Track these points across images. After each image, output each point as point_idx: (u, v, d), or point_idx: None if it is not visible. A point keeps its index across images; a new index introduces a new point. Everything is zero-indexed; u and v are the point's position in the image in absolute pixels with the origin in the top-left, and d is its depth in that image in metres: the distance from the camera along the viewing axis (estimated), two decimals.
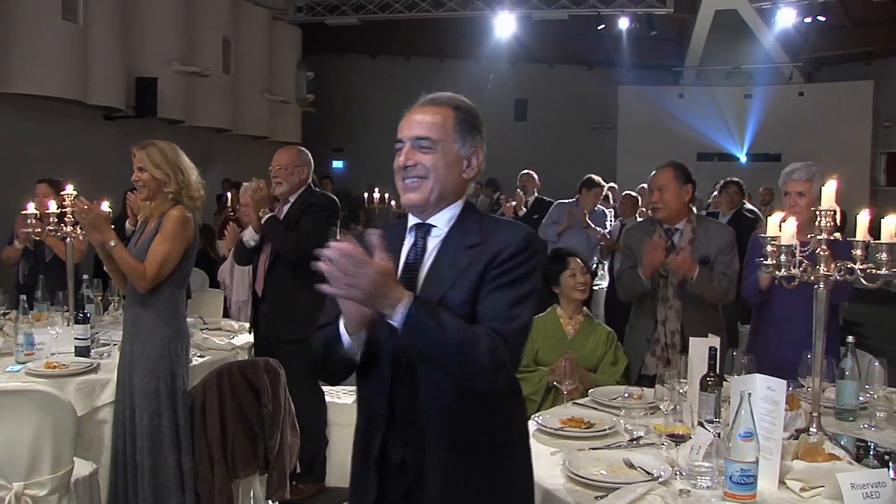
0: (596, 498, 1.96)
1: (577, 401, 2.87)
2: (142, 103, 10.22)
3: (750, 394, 1.88)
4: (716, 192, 8.38)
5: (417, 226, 1.86)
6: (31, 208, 4.19)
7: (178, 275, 3.21)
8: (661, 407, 2.35)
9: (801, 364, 2.72)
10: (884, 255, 2.11)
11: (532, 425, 2.53)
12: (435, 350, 1.64)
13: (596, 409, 2.75)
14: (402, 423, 1.78)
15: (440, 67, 16.72)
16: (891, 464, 2.05)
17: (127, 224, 4.84)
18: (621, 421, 2.48)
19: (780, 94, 15.82)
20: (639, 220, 6.57)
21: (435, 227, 1.85)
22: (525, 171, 7.86)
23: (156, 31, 10.59)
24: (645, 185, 6.70)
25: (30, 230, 4.13)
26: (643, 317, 3.56)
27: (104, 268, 3.34)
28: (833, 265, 2.26)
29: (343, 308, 1.70)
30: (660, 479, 2.01)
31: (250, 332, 4.30)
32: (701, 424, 2.27)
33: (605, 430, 2.49)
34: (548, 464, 2.22)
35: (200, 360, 3.63)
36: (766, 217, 2.61)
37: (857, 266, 2.18)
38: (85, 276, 4.32)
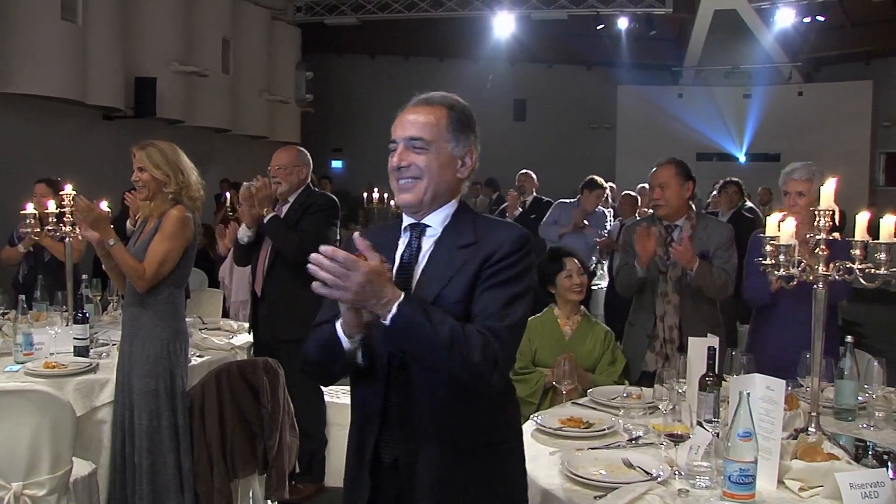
0: (595, 498, 1.96)
1: (576, 401, 2.87)
2: (141, 103, 10.22)
3: (749, 393, 1.88)
4: (715, 192, 8.38)
5: (412, 226, 1.86)
6: (30, 208, 4.19)
7: (178, 275, 3.21)
8: (659, 407, 2.35)
9: (801, 364, 2.72)
10: (882, 255, 2.11)
11: (531, 425, 2.54)
12: (426, 349, 1.64)
13: (595, 408, 2.75)
14: (396, 423, 1.79)
15: (439, 67, 16.73)
16: (889, 463, 2.05)
17: (127, 224, 4.84)
18: (620, 421, 2.48)
19: (780, 94, 15.82)
20: (638, 219, 6.57)
21: (429, 226, 1.85)
22: (523, 171, 7.87)
23: (155, 31, 10.59)
24: (644, 185, 6.71)
25: (29, 230, 4.13)
26: (642, 313, 3.58)
27: (103, 267, 3.34)
28: (832, 265, 2.26)
29: (341, 311, 1.70)
30: (659, 479, 2.01)
31: (249, 333, 4.29)
32: (700, 424, 2.27)
33: (604, 429, 2.49)
34: (547, 464, 2.22)
35: (199, 360, 3.62)
36: (766, 217, 2.61)
37: (856, 266, 2.18)
38: (84, 276, 4.32)
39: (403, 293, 1.63)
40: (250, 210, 4.07)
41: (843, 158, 13.31)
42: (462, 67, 15.99)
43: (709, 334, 2.73)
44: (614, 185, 9.47)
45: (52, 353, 3.49)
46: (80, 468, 2.93)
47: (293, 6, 14.40)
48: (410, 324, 1.61)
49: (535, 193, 7.69)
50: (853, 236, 2.20)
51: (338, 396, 4.29)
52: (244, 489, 3.29)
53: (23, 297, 4.06)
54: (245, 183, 4.17)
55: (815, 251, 2.29)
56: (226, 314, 5.38)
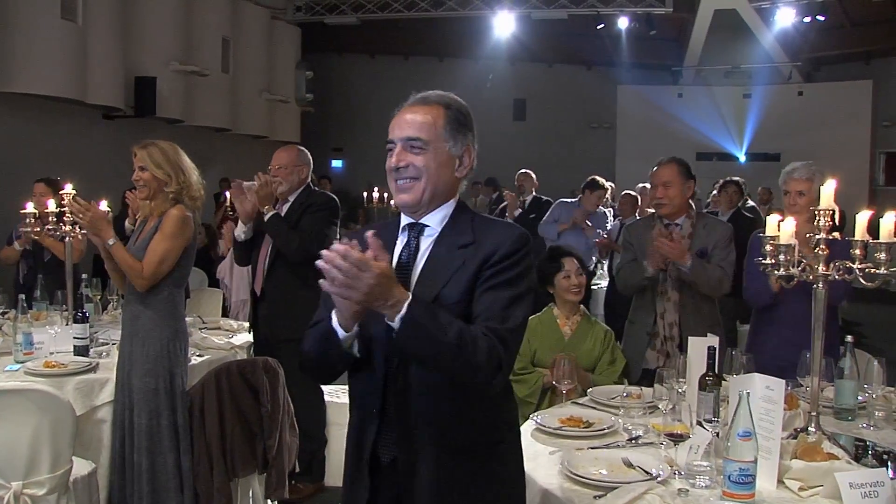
0: (595, 497, 1.96)
1: (576, 400, 2.87)
2: (141, 103, 10.22)
3: (748, 393, 1.88)
4: (715, 192, 8.38)
5: (410, 225, 1.86)
6: (29, 208, 4.19)
7: (178, 274, 3.21)
8: (659, 406, 2.35)
9: (800, 364, 2.72)
10: (882, 255, 2.11)
11: (531, 425, 2.54)
12: (433, 351, 1.64)
13: (595, 408, 2.75)
14: (395, 423, 1.79)
15: (439, 67, 16.74)
16: (889, 463, 2.05)
17: (126, 223, 4.84)
18: (620, 420, 2.48)
19: (780, 93, 15.83)
20: (638, 218, 6.57)
21: (428, 226, 1.85)
22: (522, 171, 7.87)
23: (155, 30, 10.59)
24: (645, 185, 6.70)
25: (29, 230, 4.13)
26: (642, 311, 3.58)
27: (104, 266, 3.34)
28: (832, 264, 2.26)
29: (336, 302, 1.69)
30: (658, 479, 2.01)
31: (250, 332, 4.29)
32: (700, 424, 2.27)
33: (604, 429, 2.49)
34: (546, 463, 2.21)
35: (199, 359, 3.62)
36: (765, 216, 2.61)
37: (856, 266, 2.18)
38: (84, 276, 4.32)
39: (412, 295, 1.62)
40: (243, 205, 4.06)
41: (843, 158, 13.35)
42: (462, 67, 16.00)
43: (708, 333, 2.73)
44: (613, 185, 9.48)
45: (51, 353, 3.49)
46: (80, 467, 2.93)
47: (293, 6, 14.39)
48: (419, 326, 1.60)
49: (534, 193, 7.68)
50: (853, 236, 2.20)
51: (337, 396, 4.29)
52: (244, 488, 3.29)
53: (23, 296, 4.06)
54: (236, 179, 4.16)
55: (815, 251, 2.29)
56: (226, 314, 5.38)
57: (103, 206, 3.39)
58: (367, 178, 11.69)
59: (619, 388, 2.86)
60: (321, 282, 1.57)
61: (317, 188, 4.41)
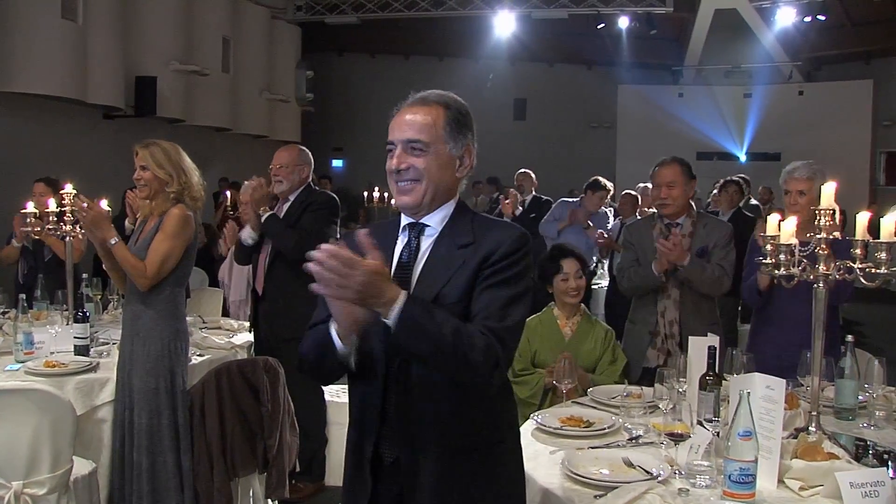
0: (595, 497, 1.96)
1: (577, 400, 2.87)
2: (141, 102, 10.23)
3: (749, 393, 1.87)
4: (715, 191, 8.37)
5: (410, 225, 1.86)
6: (30, 207, 4.19)
7: (179, 273, 3.21)
8: (660, 406, 2.35)
9: (801, 363, 2.72)
10: (883, 255, 2.11)
11: (531, 424, 2.54)
12: (430, 348, 1.63)
13: (595, 408, 2.75)
14: (396, 423, 1.78)
15: (440, 66, 16.73)
16: (890, 463, 2.05)
17: (126, 223, 4.84)
18: (620, 420, 2.48)
19: (780, 93, 15.83)
20: (639, 218, 6.57)
21: (428, 226, 1.85)
22: (521, 171, 7.85)
23: (155, 30, 10.59)
24: (645, 185, 6.70)
25: (29, 229, 4.13)
26: (643, 310, 3.58)
27: (103, 266, 3.34)
28: (833, 264, 2.26)
29: (333, 313, 1.68)
30: (659, 479, 2.01)
31: (250, 332, 4.29)
32: (700, 423, 2.27)
33: (605, 429, 2.49)
34: (547, 463, 2.22)
35: (200, 359, 3.62)
36: (766, 216, 2.61)
37: (857, 265, 2.18)
38: (84, 275, 4.32)
39: (406, 292, 1.62)
40: (255, 212, 4.08)
41: (843, 158, 13.35)
42: (462, 67, 15.99)
43: (708, 333, 2.73)
44: (612, 185, 9.46)
45: (52, 352, 3.49)
46: (81, 467, 2.92)
47: (293, 5, 14.39)
48: (414, 323, 1.60)
49: (533, 192, 7.68)
50: (853, 235, 2.20)
51: (338, 395, 4.29)
52: (244, 488, 3.29)
53: (23, 296, 4.06)
54: (245, 182, 4.18)
55: (816, 250, 2.29)
56: (226, 313, 5.38)
57: (103, 205, 3.39)
58: (367, 178, 11.70)
59: (619, 388, 2.86)
60: (313, 285, 1.56)
61: (317, 188, 4.42)
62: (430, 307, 1.66)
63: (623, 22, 13.96)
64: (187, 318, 3.41)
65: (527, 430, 2.46)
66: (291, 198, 4.19)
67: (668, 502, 1.90)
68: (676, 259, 3.39)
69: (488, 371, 1.68)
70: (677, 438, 2.09)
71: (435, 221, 1.85)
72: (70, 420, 2.73)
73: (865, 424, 2.56)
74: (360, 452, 1.84)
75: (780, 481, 2.00)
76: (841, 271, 2.23)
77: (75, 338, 3.52)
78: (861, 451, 2.27)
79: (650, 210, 5.29)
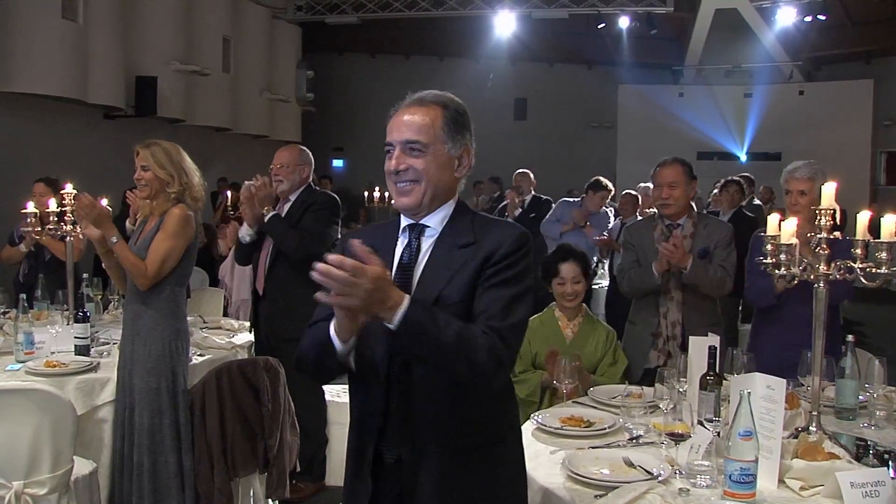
0: (596, 497, 1.96)
1: (577, 400, 2.86)
2: (142, 102, 10.24)
3: (749, 392, 1.87)
4: (716, 191, 8.37)
5: (410, 226, 1.86)
6: (30, 207, 4.19)
7: (179, 273, 3.21)
8: (660, 406, 2.35)
9: (801, 363, 2.72)
10: (884, 254, 2.11)
11: (532, 424, 2.53)
12: (434, 351, 1.64)
13: (596, 407, 2.75)
14: (397, 424, 1.78)
15: (440, 66, 16.73)
16: (890, 463, 2.05)
17: (127, 223, 4.84)
18: (621, 420, 2.48)
19: (780, 92, 15.82)
20: (639, 218, 6.56)
21: (428, 227, 1.84)
22: (519, 171, 7.84)
23: (155, 30, 10.60)
24: (645, 185, 6.70)
25: (30, 229, 4.13)
26: (644, 311, 3.57)
27: (103, 265, 3.34)
28: (833, 264, 2.26)
29: (336, 315, 1.68)
30: (659, 478, 2.01)
31: (250, 332, 4.30)
32: (700, 423, 2.27)
33: (605, 428, 2.49)
34: (547, 463, 2.22)
35: (200, 359, 3.62)
36: (766, 215, 2.61)
37: (857, 265, 2.18)
38: (85, 275, 4.32)
39: (409, 297, 1.62)
40: (252, 210, 4.08)
41: (843, 157, 13.34)
42: (463, 66, 16.00)
43: (709, 333, 2.73)
44: (611, 185, 9.46)
45: (52, 352, 3.49)
46: (81, 467, 2.92)
47: (294, 5, 14.40)
48: (417, 327, 1.60)
49: (532, 192, 7.68)
50: (854, 235, 2.20)
51: (338, 395, 4.29)
52: (245, 488, 3.29)
53: (24, 296, 4.06)
54: (246, 182, 4.18)
55: (816, 250, 2.29)
56: (226, 313, 5.38)
57: (103, 204, 3.39)
58: (367, 178, 11.69)
59: (619, 388, 2.85)
60: (318, 295, 1.56)
61: (318, 188, 4.42)
62: (434, 310, 1.66)
63: (623, 22, 13.96)
64: (188, 318, 3.41)
65: (527, 429, 2.46)
66: (292, 198, 4.19)
67: (668, 502, 1.90)
68: (678, 262, 3.38)
69: (492, 371, 1.69)
70: (678, 438, 2.09)
71: (435, 222, 1.84)
72: (71, 420, 2.73)
73: (866, 424, 2.56)
74: (361, 453, 1.84)
75: (781, 481, 2.00)
76: (842, 271, 2.23)
77: (76, 338, 3.52)
78: (861, 451, 2.27)
79: (651, 210, 5.29)
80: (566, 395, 2.89)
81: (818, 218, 2.30)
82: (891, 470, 1.93)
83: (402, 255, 1.84)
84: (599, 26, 14.47)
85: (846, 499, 1.82)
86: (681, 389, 2.54)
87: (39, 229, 4.09)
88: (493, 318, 1.71)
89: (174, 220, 3.15)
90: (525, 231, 1.84)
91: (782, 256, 2.31)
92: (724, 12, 13.89)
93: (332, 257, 1.53)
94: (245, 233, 4.18)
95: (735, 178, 7.26)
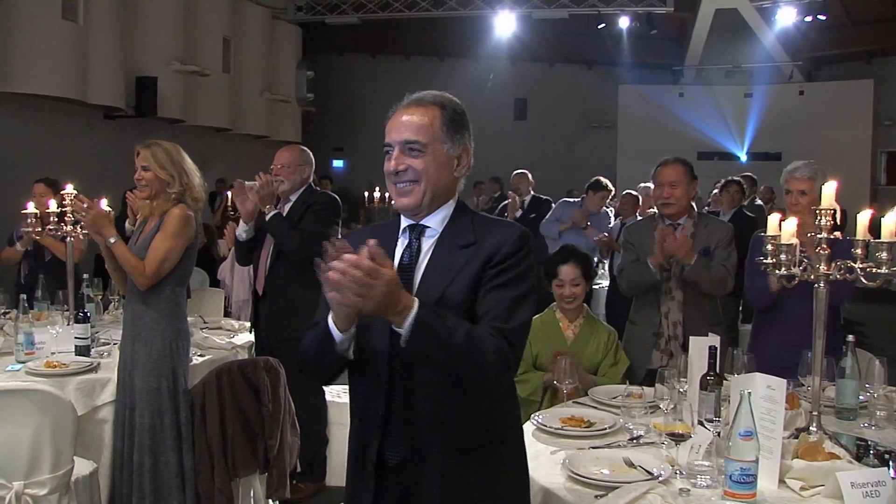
0: (596, 497, 1.96)
1: (577, 400, 2.86)
2: (142, 103, 10.23)
3: (750, 393, 1.87)
4: (716, 191, 8.37)
5: (411, 227, 1.86)
6: (30, 208, 4.19)
7: (180, 273, 3.21)
8: (660, 406, 2.35)
9: (802, 363, 2.72)
10: (884, 254, 2.11)
11: (532, 424, 2.53)
12: (443, 353, 1.64)
13: (596, 408, 2.75)
14: (400, 425, 1.78)
15: (440, 67, 16.73)
16: (891, 463, 2.05)
17: (126, 224, 4.84)
18: (621, 420, 2.48)
19: (781, 93, 15.82)
20: (639, 218, 6.56)
21: (429, 227, 1.84)
22: (517, 172, 7.82)
23: (156, 30, 10.60)
24: (645, 185, 6.70)
25: (30, 230, 4.13)
26: (645, 311, 3.57)
27: (106, 267, 3.34)
28: (833, 264, 2.26)
29: (332, 305, 1.67)
30: (660, 478, 2.01)
31: (251, 332, 4.30)
32: (701, 423, 2.27)
33: (605, 429, 2.49)
34: (548, 463, 2.22)
35: (200, 359, 3.62)
36: (767, 215, 2.61)
37: (857, 265, 2.18)
38: (85, 276, 4.32)
39: (418, 300, 1.62)
40: (244, 205, 4.07)
41: (844, 157, 13.34)
42: (463, 67, 16.00)
43: (710, 333, 2.73)
44: (611, 185, 9.45)
45: (53, 353, 3.49)
46: (82, 467, 2.93)
47: (294, 5, 14.40)
48: (427, 330, 1.60)
49: (531, 192, 7.67)
50: (854, 235, 2.20)
51: (338, 396, 4.29)
52: (245, 488, 3.29)
53: (24, 296, 4.07)
54: (238, 179, 4.17)
55: (817, 250, 2.29)
56: (227, 314, 5.39)
57: (103, 205, 3.40)
58: (368, 178, 11.70)
59: (620, 388, 2.85)
60: (330, 296, 1.55)
61: (318, 188, 4.42)
62: (441, 313, 1.66)
63: (623, 22, 13.96)
64: (188, 319, 3.41)
65: (527, 430, 2.45)
66: (293, 198, 4.19)
67: (668, 502, 1.90)
68: (682, 257, 3.38)
69: (499, 372, 1.69)
70: (678, 438, 2.09)
71: (435, 222, 1.84)
72: (71, 420, 2.73)
73: (866, 424, 2.56)
74: (363, 454, 1.83)
75: (781, 481, 1.99)
76: (842, 271, 2.23)
77: (76, 338, 3.52)
78: (862, 451, 2.27)
79: (651, 210, 5.28)
80: (566, 395, 2.89)
81: (818, 218, 2.30)
82: (891, 470, 1.93)
83: (402, 256, 1.84)
84: (599, 26, 14.46)
85: (847, 499, 1.82)
86: (681, 389, 2.54)
87: (39, 230, 4.09)
88: (497, 320, 1.71)
89: (174, 220, 3.15)
90: (526, 230, 1.84)
91: (782, 256, 2.31)
92: (725, 12, 13.89)
93: (348, 257, 1.52)
94: (241, 230, 4.18)
95: (736, 178, 7.25)
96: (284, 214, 4.13)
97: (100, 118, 10.18)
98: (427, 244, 1.83)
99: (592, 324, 3.47)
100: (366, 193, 11.38)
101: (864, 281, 2.18)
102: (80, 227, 3.77)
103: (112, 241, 3.12)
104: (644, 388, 2.80)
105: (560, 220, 6.78)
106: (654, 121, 15.80)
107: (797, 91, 15.92)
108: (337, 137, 17.12)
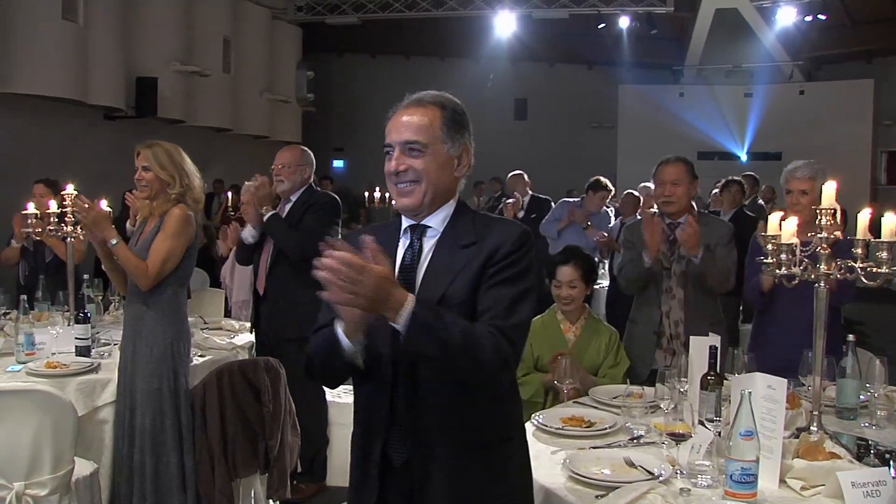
0: (596, 497, 1.96)
1: (578, 400, 2.86)
2: (142, 103, 10.25)
3: (750, 392, 1.87)
4: (716, 191, 8.37)
5: (412, 227, 1.86)
6: (30, 208, 4.19)
7: (180, 273, 3.21)
8: (661, 406, 2.35)
9: (802, 363, 2.72)
10: (884, 254, 2.11)
11: (532, 424, 2.53)
12: (440, 351, 1.64)
13: (596, 408, 2.75)
14: (404, 425, 1.78)
15: (440, 67, 16.73)
16: (891, 462, 2.05)
17: (127, 225, 4.84)
18: (622, 420, 2.48)
19: (781, 92, 15.82)
20: (639, 218, 6.56)
21: (430, 227, 1.85)
22: (513, 174, 7.82)
23: (156, 30, 10.61)
24: (645, 185, 6.69)
25: (30, 230, 4.13)
26: (645, 310, 3.56)
27: (102, 267, 3.34)
28: (833, 264, 2.26)
29: (340, 313, 1.68)
30: (660, 478, 2.01)
31: (251, 332, 4.30)
32: (701, 423, 2.27)
33: (606, 428, 2.49)
34: (548, 463, 2.22)
35: (201, 359, 3.62)
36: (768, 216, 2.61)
37: (858, 265, 2.18)
38: (85, 276, 4.33)
39: (413, 296, 1.62)
40: (255, 210, 4.09)
41: (844, 157, 13.33)
42: (463, 67, 15.99)
43: (710, 332, 2.73)
44: (611, 185, 9.45)
45: (53, 353, 3.49)
46: (82, 468, 2.92)
47: (294, 5, 14.40)
48: (423, 326, 1.60)
49: (529, 193, 7.66)
50: (854, 235, 2.20)
51: (339, 396, 4.29)
52: (246, 489, 3.29)
53: (24, 297, 4.06)
54: (247, 183, 4.19)
55: (817, 250, 2.29)
56: (227, 314, 5.38)
57: (103, 205, 3.40)
58: (368, 178, 11.69)
59: (620, 388, 2.85)
60: (323, 294, 1.56)
61: (318, 188, 4.42)
62: (438, 310, 1.66)
63: (624, 22, 13.97)
64: (189, 319, 3.41)
65: (528, 430, 2.45)
66: (293, 198, 4.19)
67: (669, 502, 1.90)
68: (690, 249, 3.37)
69: (498, 370, 1.69)
70: (679, 438, 2.09)
71: (436, 222, 1.84)
72: (71, 421, 2.73)
73: (867, 424, 2.56)
74: (367, 455, 1.83)
75: (782, 481, 2.00)
76: (842, 271, 2.23)
77: (76, 339, 3.52)
78: (863, 451, 2.27)
79: (651, 210, 5.28)
80: (567, 395, 2.89)
81: (819, 217, 2.30)
82: (892, 469, 1.93)
83: (403, 257, 1.84)
84: (599, 26, 14.46)
85: (847, 499, 1.82)
86: (682, 389, 2.54)
87: (40, 230, 4.10)
88: (497, 317, 1.71)
89: (174, 220, 3.15)
90: (526, 229, 1.85)
91: (782, 256, 2.31)
92: (725, 12, 13.88)
93: (337, 254, 1.53)
94: (248, 233, 4.19)
95: (736, 177, 7.25)
96: (284, 215, 4.14)
97: (100, 119, 10.19)
98: (428, 244, 1.84)
99: (594, 325, 3.45)
100: (366, 193, 11.38)
101: (864, 280, 2.18)
102: (80, 228, 3.77)
103: (114, 242, 3.12)
104: (644, 387, 2.80)
105: (559, 219, 6.78)
106: (654, 121, 15.79)
107: (797, 91, 15.92)
108: (337, 137, 17.12)
